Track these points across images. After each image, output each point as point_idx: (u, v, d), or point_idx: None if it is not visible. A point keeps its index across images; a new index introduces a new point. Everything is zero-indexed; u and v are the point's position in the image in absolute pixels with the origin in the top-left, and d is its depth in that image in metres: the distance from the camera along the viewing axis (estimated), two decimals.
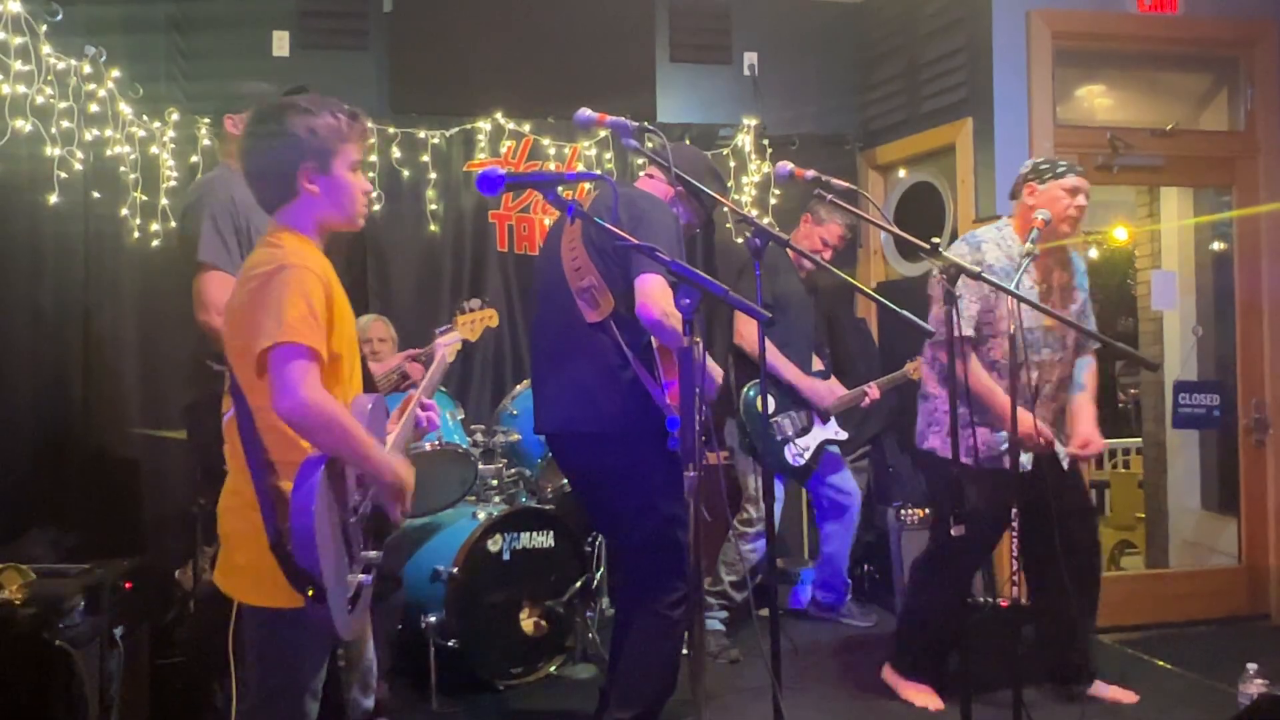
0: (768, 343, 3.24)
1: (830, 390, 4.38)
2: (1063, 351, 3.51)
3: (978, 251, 3.46)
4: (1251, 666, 3.31)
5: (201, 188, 3.14)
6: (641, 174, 3.39)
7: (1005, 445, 3.30)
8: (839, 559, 4.62)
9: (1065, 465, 3.51)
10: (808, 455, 4.33)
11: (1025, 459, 3.40)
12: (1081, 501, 3.65)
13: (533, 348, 3.38)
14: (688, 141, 4.97)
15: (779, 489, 4.48)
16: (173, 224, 4.12)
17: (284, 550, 1.91)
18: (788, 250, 4.35)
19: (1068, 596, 3.39)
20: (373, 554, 2.13)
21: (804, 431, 4.34)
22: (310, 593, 1.90)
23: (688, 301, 2.13)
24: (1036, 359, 3.46)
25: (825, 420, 4.40)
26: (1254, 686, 3.25)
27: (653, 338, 2.98)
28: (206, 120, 4.48)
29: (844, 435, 4.47)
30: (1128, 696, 3.62)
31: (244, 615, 2.10)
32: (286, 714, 2.06)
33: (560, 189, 2.32)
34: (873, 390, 4.44)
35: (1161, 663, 4.08)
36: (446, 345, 2.98)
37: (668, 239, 2.88)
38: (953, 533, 2.68)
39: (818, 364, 4.54)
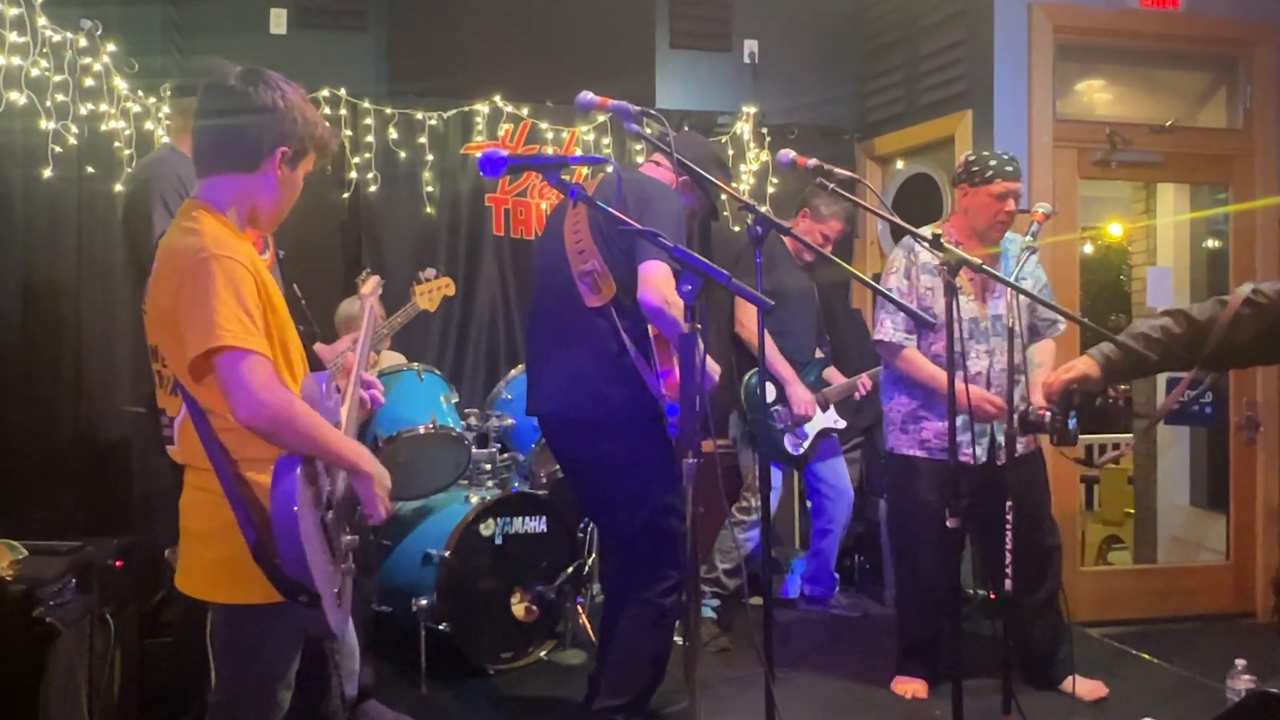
0: (766, 336, 3.23)
1: (810, 402, 4.29)
2: (1006, 339, 3.41)
3: (911, 253, 3.55)
4: (1240, 662, 3.31)
5: (145, 170, 2.99)
6: (646, 159, 3.37)
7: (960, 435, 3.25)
8: (828, 554, 4.63)
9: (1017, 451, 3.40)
10: (806, 444, 4.33)
11: (979, 450, 3.46)
12: (1035, 505, 3.54)
13: (529, 329, 3.33)
14: (686, 128, 4.95)
15: (776, 479, 4.47)
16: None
17: (272, 563, 1.81)
18: (785, 240, 4.37)
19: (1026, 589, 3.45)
20: (351, 539, 2.07)
21: (803, 420, 4.32)
22: (304, 600, 1.83)
23: (689, 288, 2.10)
24: (984, 348, 3.52)
25: (825, 408, 4.40)
26: (1241, 682, 3.26)
27: (650, 325, 2.96)
28: None
29: (843, 424, 4.47)
30: (1097, 690, 3.61)
31: (215, 610, 2.02)
32: (261, 707, 1.99)
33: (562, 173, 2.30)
34: (866, 381, 4.43)
35: (1147, 657, 4.10)
36: (371, 295, 2.77)
37: (672, 225, 2.86)
38: (948, 524, 2.68)
39: (820, 355, 4.53)
